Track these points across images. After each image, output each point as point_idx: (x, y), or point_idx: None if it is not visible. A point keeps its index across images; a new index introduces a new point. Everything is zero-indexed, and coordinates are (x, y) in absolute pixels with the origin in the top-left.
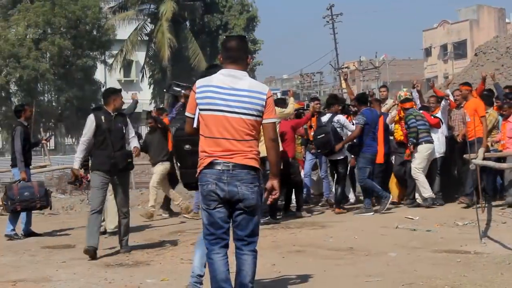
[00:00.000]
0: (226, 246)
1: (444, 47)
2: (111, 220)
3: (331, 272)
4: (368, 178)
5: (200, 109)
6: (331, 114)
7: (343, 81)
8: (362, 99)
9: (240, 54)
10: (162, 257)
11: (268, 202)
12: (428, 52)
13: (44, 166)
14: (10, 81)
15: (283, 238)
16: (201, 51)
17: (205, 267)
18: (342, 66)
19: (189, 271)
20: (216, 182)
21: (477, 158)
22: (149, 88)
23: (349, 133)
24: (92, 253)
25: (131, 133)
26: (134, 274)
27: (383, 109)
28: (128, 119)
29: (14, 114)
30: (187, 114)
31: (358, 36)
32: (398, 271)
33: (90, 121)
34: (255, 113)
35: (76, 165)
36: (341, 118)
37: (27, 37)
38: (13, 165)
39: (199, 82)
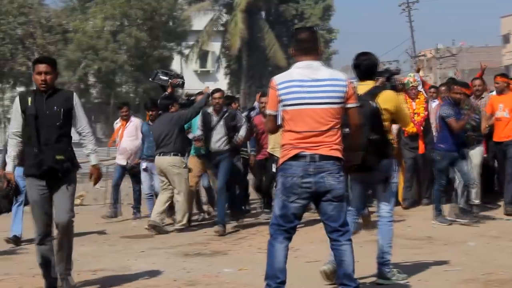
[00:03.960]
0: (290, 239)
1: None
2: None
3: (410, 262)
4: (439, 184)
5: (285, 105)
6: None
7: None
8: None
9: (312, 44)
10: (239, 246)
11: None
12: (506, 39)
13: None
14: (88, 73)
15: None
16: (277, 41)
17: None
18: (419, 54)
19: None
20: (303, 175)
21: None
22: (225, 78)
23: None
24: None
25: (83, 122)
26: (212, 264)
27: None
28: (76, 100)
29: None
30: (268, 111)
31: (435, 23)
32: (477, 261)
33: (15, 106)
34: (338, 100)
35: (9, 167)
36: None
37: (105, 29)
38: None
39: (279, 79)
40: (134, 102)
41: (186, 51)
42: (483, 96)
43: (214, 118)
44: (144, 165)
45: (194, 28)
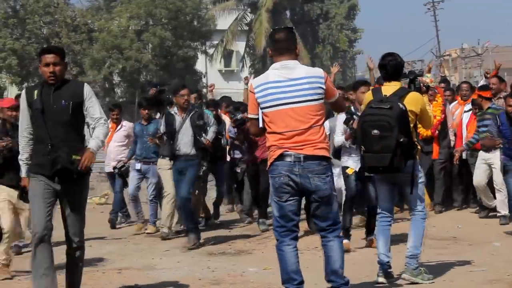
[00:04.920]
0: (296, 238)
1: None
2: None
3: (435, 262)
4: None
5: (263, 107)
6: None
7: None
8: None
9: (289, 45)
10: (263, 246)
11: None
12: None
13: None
14: (113, 72)
15: None
16: (301, 40)
17: (389, 251)
18: (444, 54)
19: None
20: (288, 174)
21: None
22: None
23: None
24: None
25: (96, 111)
26: (236, 263)
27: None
28: (88, 92)
29: None
30: (250, 115)
31: (460, 22)
32: (503, 261)
33: (21, 100)
34: (317, 97)
35: (23, 172)
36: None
37: (129, 28)
38: None
39: (255, 82)
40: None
41: (211, 51)
42: (500, 96)
43: (178, 119)
44: (138, 165)
45: (218, 27)
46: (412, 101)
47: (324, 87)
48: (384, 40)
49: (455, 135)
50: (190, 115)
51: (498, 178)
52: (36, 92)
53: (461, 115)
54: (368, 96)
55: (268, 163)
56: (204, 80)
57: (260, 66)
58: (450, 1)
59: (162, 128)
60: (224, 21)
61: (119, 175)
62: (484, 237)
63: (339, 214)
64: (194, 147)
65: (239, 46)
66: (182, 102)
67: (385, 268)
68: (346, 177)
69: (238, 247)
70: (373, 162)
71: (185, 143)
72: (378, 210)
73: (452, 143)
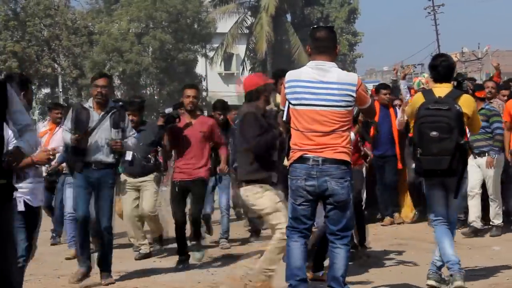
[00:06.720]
0: (306, 237)
1: None
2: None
3: None
4: None
5: (290, 103)
6: None
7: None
8: None
9: (329, 44)
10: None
11: None
12: None
13: None
14: (113, 75)
15: (384, 232)
16: (302, 44)
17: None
18: None
19: None
20: (306, 178)
21: None
22: None
23: None
24: None
25: (24, 122)
26: (237, 266)
27: None
28: (10, 92)
29: None
30: (280, 107)
31: (460, 26)
32: (503, 265)
33: None
34: (344, 104)
35: None
36: None
37: (130, 31)
38: None
39: (288, 76)
40: (158, 104)
41: (211, 54)
42: (492, 101)
43: (94, 115)
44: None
45: (219, 30)
46: (466, 103)
47: (354, 95)
48: (384, 44)
49: None
50: (111, 114)
51: (491, 186)
52: None
53: None
54: (417, 98)
55: (288, 164)
56: (204, 83)
57: (260, 69)
58: (451, 5)
59: (68, 126)
60: (224, 24)
61: (49, 183)
62: (484, 241)
63: (353, 221)
64: (112, 154)
65: (240, 49)
66: (95, 94)
67: (458, 267)
68: None
69: (239, 250)
70: (431, 165)
71: (97, 148)
72: (432, 217)
73: None
